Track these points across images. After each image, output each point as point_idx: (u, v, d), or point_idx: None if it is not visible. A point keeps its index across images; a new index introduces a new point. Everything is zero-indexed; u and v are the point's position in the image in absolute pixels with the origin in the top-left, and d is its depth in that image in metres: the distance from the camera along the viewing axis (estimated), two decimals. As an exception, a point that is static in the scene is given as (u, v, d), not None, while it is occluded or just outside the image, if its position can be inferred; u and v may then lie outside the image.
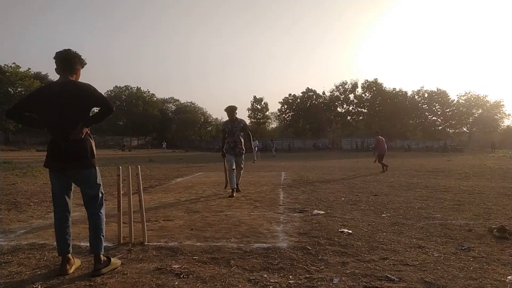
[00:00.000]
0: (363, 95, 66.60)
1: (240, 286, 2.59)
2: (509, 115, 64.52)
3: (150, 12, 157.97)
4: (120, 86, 66.58)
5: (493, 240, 3.78)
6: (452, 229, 4.26)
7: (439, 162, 20.51)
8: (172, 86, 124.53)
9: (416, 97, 66.06)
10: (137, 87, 66.92)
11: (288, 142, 60.10)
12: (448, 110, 64.55)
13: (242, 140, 7.16)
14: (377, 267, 2.94)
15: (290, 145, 57.40)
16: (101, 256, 2.89)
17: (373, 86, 65.49)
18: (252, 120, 66.78)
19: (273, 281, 2.67)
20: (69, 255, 2.90)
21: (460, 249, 3.44)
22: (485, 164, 18.02)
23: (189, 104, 71.25)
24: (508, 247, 3.52)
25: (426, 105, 65.58)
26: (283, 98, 67.99)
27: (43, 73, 52.57)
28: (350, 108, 67.61)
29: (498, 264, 3.01)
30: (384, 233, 4.06)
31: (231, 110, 7.17)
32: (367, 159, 23.22)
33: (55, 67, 2.90)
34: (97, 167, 3.00)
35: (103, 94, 2.94)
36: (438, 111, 65.30)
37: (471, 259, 3.14)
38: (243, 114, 63.24)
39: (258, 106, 67.83)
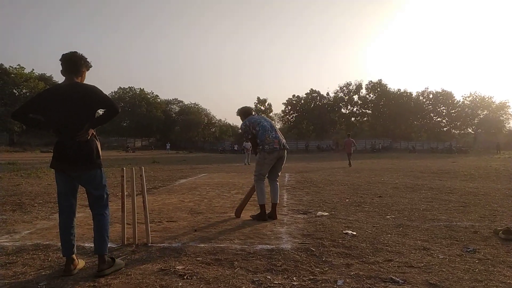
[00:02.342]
0: (368, 96, 66.52)
1: (243, 287, 2.58)
2: (515, 116, 64.12)
3: (154, 12, 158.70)
4: (124, 87, 66.85)
5: (498, 242, 3.75)
6: (457, 231, 4.23)
7: (444, 163, 20.41)
8: (176, 87, 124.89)
9: (421, 98, 65.89)
10: (141, 88, 67.20)
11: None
12: (453, 111, 64.27)
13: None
14: (382, 269, 2.92)
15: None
16: (105, 256, 2.90)
17: (377, 87, 65.39)
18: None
19: (277, 282, 2.66)
20: (74, 256, 2.91)
21: (465, 251, 3.41)
22: (491, 165, 17.92)
23: (192, 105, 71.38)
24: (514, 249, 3.49)
25: (431, 106, 65.39)
26: (287, 99, 68.12)
27: (47, 74, 52.94)
28: (354, 109, 67.55)
29: (504, 266, 2.99)
30: (389, 235, 4.04)
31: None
32: (371, 160, 23.15)
33: (61, 69, 2.92)
34: (102, 168, 3.02)
35: (108, 95, 2.96)
36: (443, 112, 65.07)
37: (477, 261, 3.12)
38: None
39: (262, 107, 67.85)
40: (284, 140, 5.15)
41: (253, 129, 5.11)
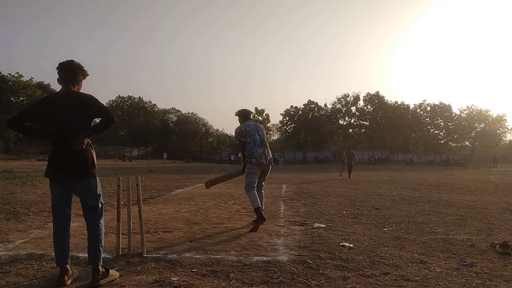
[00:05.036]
0: (365, 107, 66.85)
1: (239, 300, 2.55)
2: (511, 129, 64.46)
3: (152, 21, 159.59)
4: (123, 96, 67.02)
5: (495, 256, 3.74)
6: (454, 244, 4.22)
7: (442, 176, 20.44)
8: (174, 97, 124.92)
9: (418, 110, 66.27)
10: (139, 97, 67.34)
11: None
12: (450, 124, 64.59)
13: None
14: (379, 282, 2.90)
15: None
16: (100, 267, 2.87)
17: (375, 99, 65.76)
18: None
19: (273, 295, 2.63)
20: (67, 266, 2.88)
21: (462, 265, 3.40)
22: (488, 178, 17.95)
23: (190, 114, 71.43)
24: (510, 263, 3.48)
25: (428, 119, 65.71)
26: (284, 109, 68.30)
27: (45, 82, 52.92)
28: (352, 121, 67.80)
29: (501, 280, 2.98)
30: (386, 248, 4.02)
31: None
32: (368, 172, 23.14)
33: (58, 77, 2.92)
34: (97, 178, 3.00)
35: (104, 104, 2.96)
36: (441, 125, 65.39)
37: (473, 275, 3.11)
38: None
39: (260, 118, 68.00)
40: (270, 156, 5.50)
41: (244, 137, 5.44)
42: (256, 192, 5.31)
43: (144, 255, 3.60)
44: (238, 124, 5.66)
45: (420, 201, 8.21)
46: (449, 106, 64.59)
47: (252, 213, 6.19)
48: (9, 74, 46.74)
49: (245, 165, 5.44)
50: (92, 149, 2.99)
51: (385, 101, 65.65)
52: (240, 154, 5.70)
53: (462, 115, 65.37)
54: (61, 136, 2.83)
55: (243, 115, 5.75)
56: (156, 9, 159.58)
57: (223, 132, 77.03)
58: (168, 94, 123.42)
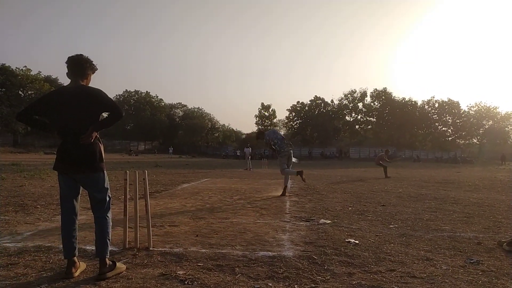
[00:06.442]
0: (372, 104, 66.48)
1: (244, 294, 2.56)
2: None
3: (160, 16, 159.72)
4: (130, 91, 67.22)
5: (502, 254, 3.71)
6: (461, 242, 4.20)
7: (449, 173, 20.31)
8: (180, 91, 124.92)
9: (426, 107, 65.80)
10: (146, 91, 67.53)
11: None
12: (458, 121, 64.09)
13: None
14: (384, 279, 2.90)
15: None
16: (107, 260, 2.90)
17: (382, 95, 65.36)
18: (260, 127, 66.54)
19: (278, 290, 2.64)
20: (75, 258, 2.91)
21: (468, 263, 3.38)
22: (496, 176, 17.81)
23: (196, 109, 71.48)
24: (518, 261, 3.45)
25: (436, 116, 65.25)
26: (291, 105, 68.08)
27: (53, 76, 53.22)
28: (359, 117, 67.46)
29: (508, 279, 2.96)
30: (392, 244, 4.01)
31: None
32: (374, 168, 23.05)
33: (67, 71, 2.94)
34: (105, 171, 3.02)
35: (112, 99, 2.97)
36: (449, 122, 64.91)
37: (480, 273, 3.09)
38: (251, 120, 62.96)
39: (266, 113, 67.90)
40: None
41: (272, 141, 8.17)
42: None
43: (151, 249, 3.63)
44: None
45: (426, 198, 8.17)
46: (457, 103, 64.15)
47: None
48: (17, 68, 47.09)
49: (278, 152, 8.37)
50: (100, 143, 3.01)
51: (392, 97, 65.25)
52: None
53: (471, 112, 64.84)
54: (70, 130, 2.86)
55: (261, 133, 8.98)
56: (167, 4, 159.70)
57: (229, 127, 77.09)
58: (175, 89, 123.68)
